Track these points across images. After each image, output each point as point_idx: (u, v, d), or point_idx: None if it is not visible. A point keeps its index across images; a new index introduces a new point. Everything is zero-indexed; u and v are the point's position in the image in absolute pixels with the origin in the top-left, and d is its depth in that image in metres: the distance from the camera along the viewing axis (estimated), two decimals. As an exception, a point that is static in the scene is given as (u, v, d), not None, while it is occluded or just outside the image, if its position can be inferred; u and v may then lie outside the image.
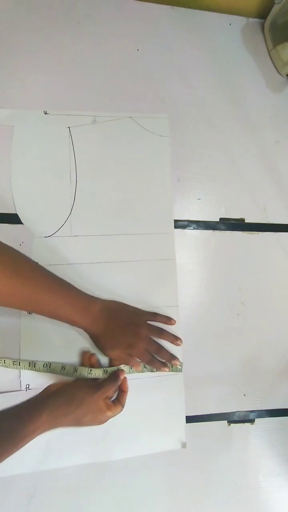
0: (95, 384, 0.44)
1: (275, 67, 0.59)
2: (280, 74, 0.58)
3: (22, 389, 0.44)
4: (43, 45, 0.51)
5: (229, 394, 0.51)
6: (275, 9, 0.55)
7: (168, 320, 0.48)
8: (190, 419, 0.49)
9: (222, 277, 0.53)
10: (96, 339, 0.46)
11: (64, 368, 0.45)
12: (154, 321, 0.48)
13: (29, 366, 0.44)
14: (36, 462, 0.44)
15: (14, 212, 0.47)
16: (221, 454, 0.49)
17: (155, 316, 0.48)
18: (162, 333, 0.47)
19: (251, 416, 0.51)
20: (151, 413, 0.47)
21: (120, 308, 0.47)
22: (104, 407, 0.43)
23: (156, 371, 0.47)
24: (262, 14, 0.59)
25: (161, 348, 0.47)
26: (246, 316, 0.53)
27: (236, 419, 0.51)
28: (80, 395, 0.42)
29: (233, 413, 0.51)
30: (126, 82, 0.53)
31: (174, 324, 0.49)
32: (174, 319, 0.49)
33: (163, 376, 0.48)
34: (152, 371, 0.47)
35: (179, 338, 0.48)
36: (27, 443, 0.38)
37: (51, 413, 0.39)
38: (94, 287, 0.47)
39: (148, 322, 0.48)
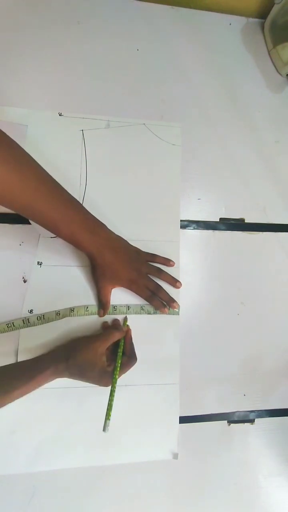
0: (93, 336, 0.43)
1: (275, 67, 0.59)
2: (280, 74, 0.58)
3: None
4: (41, 45, 0.51)
5: (229, 394, 0.51)
6: (275, 9, 0.55)
7: (167, 261, 0.49)
8: (190, 419, 0.49)
9: (222, 277, 0.53)
10: (97, 269, 0.45)
11: (59, 314, 0.45)
12: (153, 261, 0.48)
13: (23, 323, 0.44)
14: (27, 463, 0.44)
15: (15, 212, 0.47)
16: (221, 454, 0.50)
17: (154, 257, 0.48)
18: (161, 273, 0.48)
19: (251, 416, 0.51)
20: (145, 421, 0.47)
21: (124, 243, 0.47)
22: (104, 361, 0.41)
23: (154, 312, 0.47)
24: (262, 14, 0.59)
25: (160, 287, 0.47)
26: (246, 316, 0.53)
27: (236, 419, 0.51)
28: (79, 345, 0.41)
29: (233, 413, 0.51)
30: (126, 82, 0.53)
31: (173, 265, 0.49)
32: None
33: (160, 385, 0.48)
34: (149, 312, 0.48)
35: (178, 281, 0.48)
36: (38, 387, 0.38)
37: (55, 369, 0.39)
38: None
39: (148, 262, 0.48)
